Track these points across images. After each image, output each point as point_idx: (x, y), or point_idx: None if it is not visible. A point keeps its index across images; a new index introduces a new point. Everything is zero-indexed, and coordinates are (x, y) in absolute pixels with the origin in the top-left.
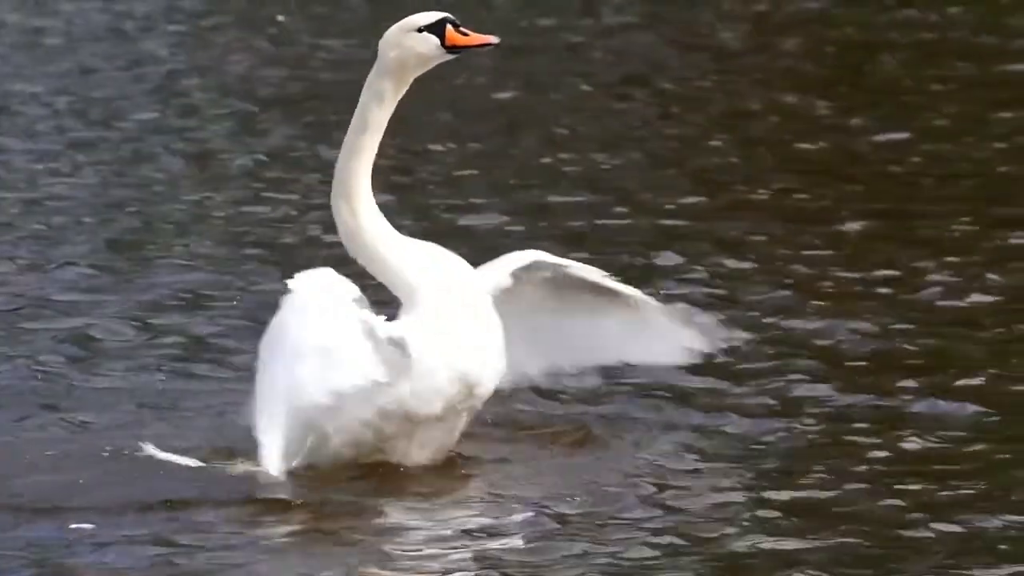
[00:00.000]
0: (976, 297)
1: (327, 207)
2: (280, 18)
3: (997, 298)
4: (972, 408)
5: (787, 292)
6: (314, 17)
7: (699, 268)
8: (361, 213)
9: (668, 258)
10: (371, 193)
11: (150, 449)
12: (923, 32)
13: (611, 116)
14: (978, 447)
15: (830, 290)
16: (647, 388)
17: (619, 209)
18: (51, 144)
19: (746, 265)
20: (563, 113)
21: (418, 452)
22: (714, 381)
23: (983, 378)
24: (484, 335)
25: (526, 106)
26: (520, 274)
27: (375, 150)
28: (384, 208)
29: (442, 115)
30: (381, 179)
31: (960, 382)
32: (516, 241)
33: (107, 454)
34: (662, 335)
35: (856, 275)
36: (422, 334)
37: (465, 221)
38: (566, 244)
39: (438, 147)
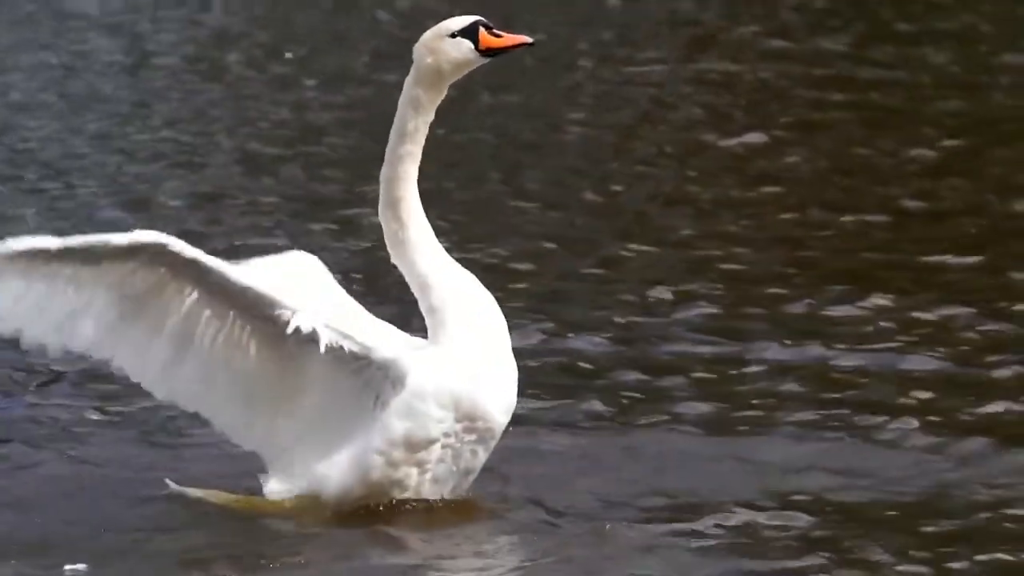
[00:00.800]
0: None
1: (257, 248)
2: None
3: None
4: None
5: (755, 326)
6: (277, 60)
7: (654, 303)
8: (408, 222)
9: (629, 294)
10: (419, 202)
11: (173, 486)
12: (898, 71)
13: (563, 153)
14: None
15: (801, 325)
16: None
17: (570, 247)
18: None
19: (713, 302)
20: (513, 151)
21: (431, 488)
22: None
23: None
24: (501, 373)
25: (476, 144)
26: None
27: (419, 157)
28: (337, 249)
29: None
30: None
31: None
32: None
33: (96, 490)
34: None
35: (828, 312)
36: (429, 360)
37: None
38: (518, 284)
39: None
